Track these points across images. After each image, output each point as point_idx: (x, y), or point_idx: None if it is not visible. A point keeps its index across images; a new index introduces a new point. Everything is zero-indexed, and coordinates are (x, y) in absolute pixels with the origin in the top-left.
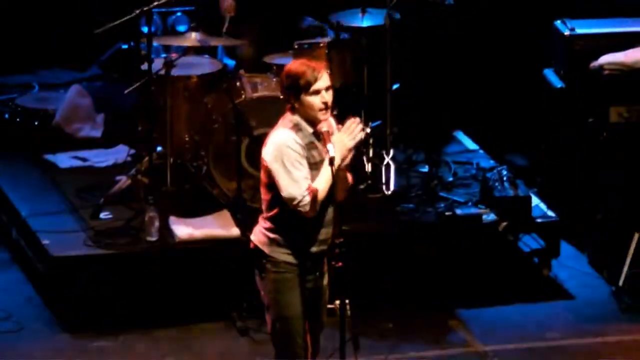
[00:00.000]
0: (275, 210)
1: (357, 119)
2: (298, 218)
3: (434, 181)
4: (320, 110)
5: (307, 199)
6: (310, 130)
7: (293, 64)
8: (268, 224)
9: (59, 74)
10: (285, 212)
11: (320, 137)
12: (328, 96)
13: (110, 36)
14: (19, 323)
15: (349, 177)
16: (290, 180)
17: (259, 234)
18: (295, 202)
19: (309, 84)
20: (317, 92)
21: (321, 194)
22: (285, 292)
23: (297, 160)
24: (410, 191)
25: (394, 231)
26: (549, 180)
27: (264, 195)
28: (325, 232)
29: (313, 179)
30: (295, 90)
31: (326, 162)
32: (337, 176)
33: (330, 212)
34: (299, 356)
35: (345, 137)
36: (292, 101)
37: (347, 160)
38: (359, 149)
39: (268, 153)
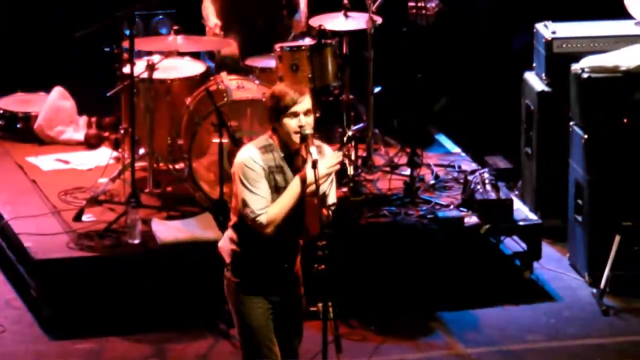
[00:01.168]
0: (235, 219)
1: (340, 155)
2: (254, 236)
3: (416, 184)
4: (296, 133)
5: (264, 217)
6: (282, 154)
7: (277, 86)
8: (231, 232)
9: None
10: (243, 228)
11: (305, 140)
12: (305, 120)
13: (93, 39)
14: (1, 326)
15: (324, 211)
16: (248, 198)
17: (224, 241)
18: (251, 218)
19: (287, 107)
20: (295, 114)
21: (284, 207)
22: (246, 302)
23: (255, 179)
24: (392, 194)
25: (376, 234)
26: (530, 183)
27: (232, 202)
28: (285, 254)
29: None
30: (275, 112)
31: (308, 165)
32: (305, 202)
33: (287, 236)
34: None
35: (324, 163)
36: (273, 122)
37: (314, 187)
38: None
39: (233, 168)
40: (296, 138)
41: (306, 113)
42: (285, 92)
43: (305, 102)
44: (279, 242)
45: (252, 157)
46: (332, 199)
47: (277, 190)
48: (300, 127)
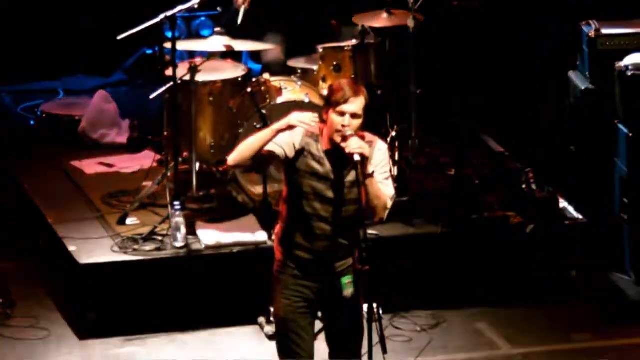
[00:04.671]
0: (282, 207)
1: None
2: (292, 218)
3: (461, 184)
4: (337, 131)
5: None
6: (323, 148)
7: (339, 81)
8: (279, 222)
9: (84, 80)
10: (286, 209)
11: (345, 141)
12: (349, 121)
13: (135, 41)
14: (46, 329)
15: (382, 201)
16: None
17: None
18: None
19: (338, 103)
20: (341, 113)
21: (243, 144)
22: (278, 292)
23: (273, 129)
24: (436, 195)
25: (421, 234)
26: (576, 182)
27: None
28: (321, 245)
29: (311, 187)
30: (327, 103)
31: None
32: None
33: (324, 226)
34: (291, 356)
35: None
36: (324, 112)
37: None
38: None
39: None
40: (337, 136)
41: (353, 115)
42: (340, 87)
43: (355, 105)
44: (317, 235)
45: (298, 133)
46: (389, 190)
47: (313, 174)
48: (343, 126)
